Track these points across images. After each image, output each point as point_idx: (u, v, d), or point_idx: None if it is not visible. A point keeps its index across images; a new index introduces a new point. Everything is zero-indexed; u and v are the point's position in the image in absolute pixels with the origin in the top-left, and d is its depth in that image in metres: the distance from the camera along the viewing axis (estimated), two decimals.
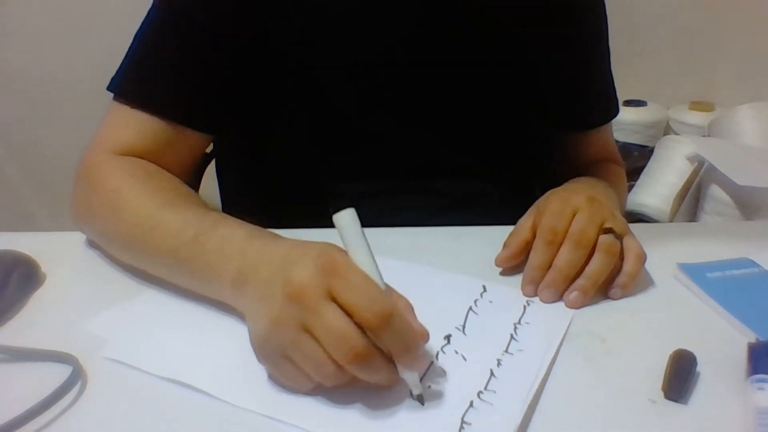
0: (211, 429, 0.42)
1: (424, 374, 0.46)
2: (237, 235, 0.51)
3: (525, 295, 0.57)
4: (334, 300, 0.41)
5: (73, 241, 0.65)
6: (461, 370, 0.47)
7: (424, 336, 0.44)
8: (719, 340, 0.51)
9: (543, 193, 0.90)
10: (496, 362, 0.48)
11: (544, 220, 0.58)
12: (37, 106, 1.73)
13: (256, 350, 0.45)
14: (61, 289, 0.58)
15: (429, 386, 0.45)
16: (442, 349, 0.49)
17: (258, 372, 0.46)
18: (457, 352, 0.49)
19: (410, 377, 0.43)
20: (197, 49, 0.65)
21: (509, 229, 0.64)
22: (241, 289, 0.48)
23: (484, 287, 0.58)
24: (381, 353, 0.42)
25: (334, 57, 0.68)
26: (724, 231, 0.78)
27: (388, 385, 0.44)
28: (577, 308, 0.55)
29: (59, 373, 0.45)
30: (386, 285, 0.44)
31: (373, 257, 0.44)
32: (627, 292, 0.57)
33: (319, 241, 0.46)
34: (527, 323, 0.53)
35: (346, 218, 0.43)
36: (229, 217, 0.56)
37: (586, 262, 0.56)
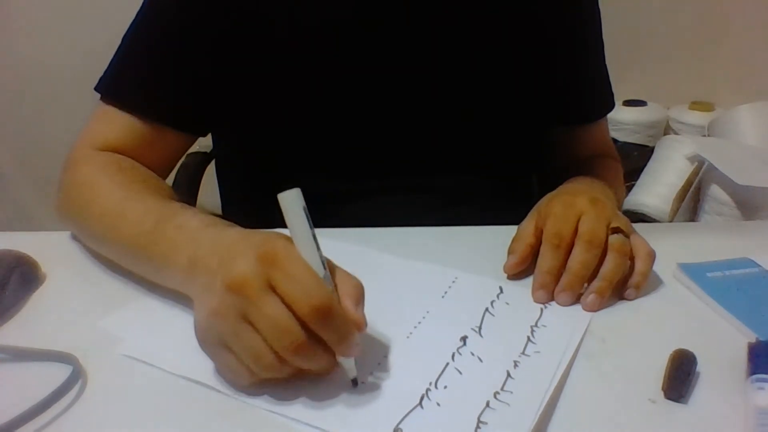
0: (212, 428, 0.42)
1: (440, 375, 0.46)
2: (192, 224, 0.52)
3: (536, 301, 0.56)
4: (274, 291, 0.41)
5: (73, 241, 0.65)
6: (477, 372, 0.47)
7: (361, 325, 0.43)
8: (719, 340, 0.51)
9: (541, 188, 0.90)
10: (513, 364, 0.48)
11: (548, 224, 0.58)
12: (37, 106, 1.73)
13: (198, 339, 0.45)
14: (61, 289, 0.58)
15: (445, 387, 0.45)
16: (458, 350, 0.49)
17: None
18: (473, 354, 0.49)
19: (346, 362, 0.44)
20: (178, 50, 0.67)
21: (506, 228, 0.64)
22: (191, 277, 0.48)
23: (500, 288, 0.58)
24: (319, 343, 0.42)
25: (318, 54, 0.68)
26: (724, 231, 0.78)
27: (326, 372, 0.44)
28: (594, 311, 0.55)
29: (59, 373, 0.45)
30: (336, 267, 0.45)
31: (315, 240, 0.43)
32: (641, 291, 0.57)
33: (267, 231, 0.46)
34: (544, 326, 0.53)
35: (288, 199, 0.42)
36: (191, 207, 0.57)
37: (599, 263, 0.56)
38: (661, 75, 1.89)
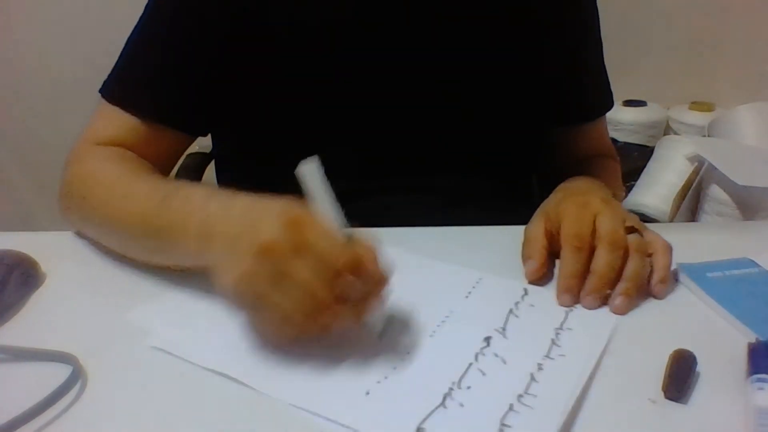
0: (212, 428, 0.42)
1: (463, 375, 0.46)
2: (198, 194, 0.53)
3: (561, 305, 0.55)
4: (302, 254, 0.44)
5: (73, 241, 0.65)
6: (501, 373, 0.47)
7: (384, 281, 0.46)
8: (719, 340, 0.51)
9: (541, 188, 0.90)
10: (537, 367, 0.47)
11: (566, 226, 0.58)
12: (37, 106, 1.73)
13: (229, 299, 0.47)
14: (61, 289, 0.58)
15: (468, 387, 0.45)
16: (481, 351, 0.49)
17: (302, 364, 0.47)
18: (497, 355, 0.48)
19: (372, 318, 0.47)
20: (180, 52, 0.67)
21: (506, 228, 0.63)
22: (206, 244, 0.49)
23: (525, 290, 0.57)
24: (345, 301, 0.45)
25: (318, 54, 0.68)
26: (724, 231, 0.78)
27: (352, 327, 0.47)
28: (624, 314, 0.54)
29: (59, 373, 0.45)
30: (349, 230, 0.47)
31: (335, 206, 0.47)
32: (667, 285, 0.57)
33: (280, 199, 0.48)
34: (569, 329, 0.52)
35: (309, 169, 0.47)
36: (196, 183, 0.58)
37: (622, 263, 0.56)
38: (661, 75, 1.89)
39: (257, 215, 0.47)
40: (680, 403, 0.44)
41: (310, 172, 0.47)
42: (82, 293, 0.58)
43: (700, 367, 0.47)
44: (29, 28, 1.68)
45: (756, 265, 0.61)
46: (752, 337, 0.50)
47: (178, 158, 0.74)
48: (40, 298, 0.56)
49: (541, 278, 0.58)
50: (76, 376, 0.45)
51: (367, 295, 0.46)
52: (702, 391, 0.46)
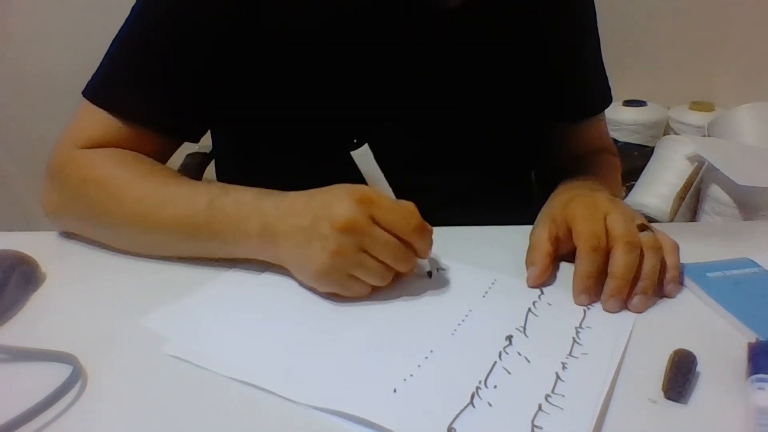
0: (212, 429, 0.42)
1: (488, 374, 0.46)
2: (248, 197, 0.58)
3: (579, 304, 0.55)
4: (376, 223, 0.52)
5: (73, 241, 0.65)
6: (526, 372, 0.47)
7: (431, 233, 0.55)
8: (719, 340, 0.51)
9: (540, 186, 0.89)
10: (561, 366, 0.47)
11: (579, 227, 0.57)
12: (37, 106, 1.73)
13: (320, 281, 0.54)
14: (61, 289, 0.58)
15: (495, 386, 0.45)
16: (504, 349, 0.49)
17: (324, 366, 0.47)
18: (520, 354, 0.49)
19: (423, 262, 0.58)
20: (170, 55, 0.66)
21: (506, 228, 0.63)
22: (272, 242, 0.55)
23: (541, 290, 0.58)
24: (415, 250, 0.55)
25: (317, 55, 0.68)
26: (724, 231, 0.78)
27: (412, 272, 0.57)
28: (641, 312, 0.55)
29: (59, 373, 0.45)
30: (400, 201, 0.56)
31: (386, 182, 0.56)
32: (678, 283, 0.57)
33: (329, 187, 0.55)
34: (589, 327, 0.52)
35: (363, 152, 0.54)
36: (230, 185, 0.60)
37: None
38: (661, 75, 1.90)
39: (325, 201, 0.53)
40: (680, 403, 0.44)
41: (365, 154, 0.54)
42: (82, 293, 0.58)
43: (700, 367, 0.47)
44: (29, 28, 1.68)
45: (756, 265, 0.61)
46: (752, 337, 0.50)
47: (166, 160, 0.73)
48: (40, 298, 0.56)
49: (542, 284, 0.58)
50: (76, 376, 0.45)
51: (429, 245, 0.55)
52: (702, 391, 0.46)
